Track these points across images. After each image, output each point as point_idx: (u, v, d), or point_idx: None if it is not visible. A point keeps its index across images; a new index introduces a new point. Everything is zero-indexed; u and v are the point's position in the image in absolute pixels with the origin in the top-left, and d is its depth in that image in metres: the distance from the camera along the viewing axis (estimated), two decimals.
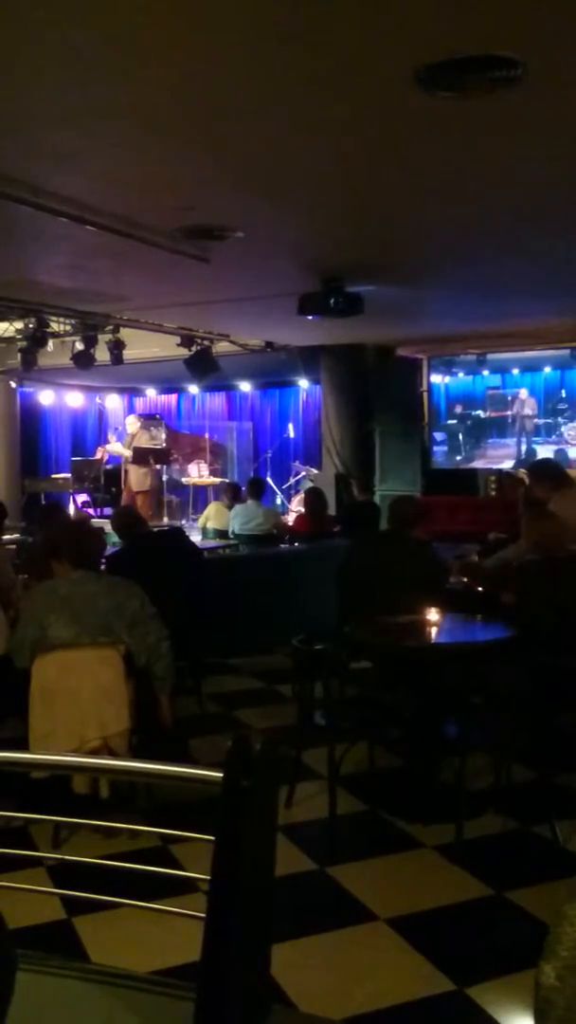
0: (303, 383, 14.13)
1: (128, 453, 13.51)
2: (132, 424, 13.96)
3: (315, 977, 3.19)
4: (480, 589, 5.49)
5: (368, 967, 3.27)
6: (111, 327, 10.09)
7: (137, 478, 13.50)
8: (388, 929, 3.49)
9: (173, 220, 5.50)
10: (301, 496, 11.83)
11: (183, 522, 13.31)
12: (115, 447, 13.91)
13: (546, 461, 7.85)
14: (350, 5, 2.87)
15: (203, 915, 1.57)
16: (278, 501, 13.83)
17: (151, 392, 16.81)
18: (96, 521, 12.13)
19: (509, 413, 12.90)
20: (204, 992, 1.54)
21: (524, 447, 12.81)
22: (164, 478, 14.22)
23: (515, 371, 12.79)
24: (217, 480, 14.20)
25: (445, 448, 13.21)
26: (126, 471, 13.59)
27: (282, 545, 9.53)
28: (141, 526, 6.77)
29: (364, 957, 3.34)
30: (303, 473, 13.79)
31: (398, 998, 3.05)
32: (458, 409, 13.23)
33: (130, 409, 16.63)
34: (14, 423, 14.06)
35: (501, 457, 12.86)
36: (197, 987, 1.55)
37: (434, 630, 4.59)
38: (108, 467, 14.39)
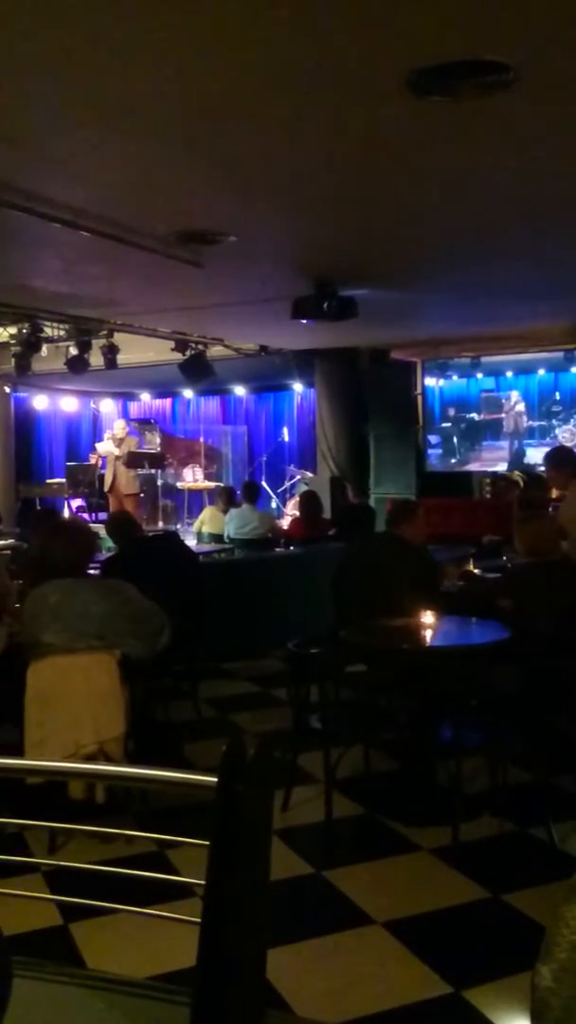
0: (297, 387, 14.14)
1: (115, 451, 13.48)
2: (120, 428, 13.93)
3: (311, 981, 3.18)
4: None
5: (364, 971, 3.27)
6: (105, 332, 10.09)
7: (127, 481, 13.48)
8: (384, 932, 3.49)
9: (166, 225, 5.51)
10: (296, 500, 11.84)
11: (178, 527, 13.31)
12: (105, 446, 13.88)
13: (563, 448, 7.94)
14: (342, 10, 2.88)
15: (199, 920, 1.57)
16: (273, 505, 13.83)
17: (145, 396, 16.80)
18: (91, 526, 12.12)
19: (503, 416, 12.92)
20: (200, 997, 1.54)
21: (515, 447, 12.83)
22: (159, 483, 14.20)
23: (509, 374, 12.80)
24: (212, 484, 14.20)
25: (440, 451, 13.22)
26: (114, 475, 13.54)
27: (277, 549, 9.54)
28: (136, 530, 6.77)
29: (360, 961, 3.34)
30: (298, 477, 13.80)
31: (395, 1002, 3.04)
32: (452, 412, 13.24)
33: (124, 414, 16.62)
34: (8, 428, 14.05)
35: (495, 460, 12.87)
36: (193, 992, 1.55)
37: (429, 633, 4.59)
38: (104, 471, 14.37)
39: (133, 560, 5.99)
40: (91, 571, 5.61)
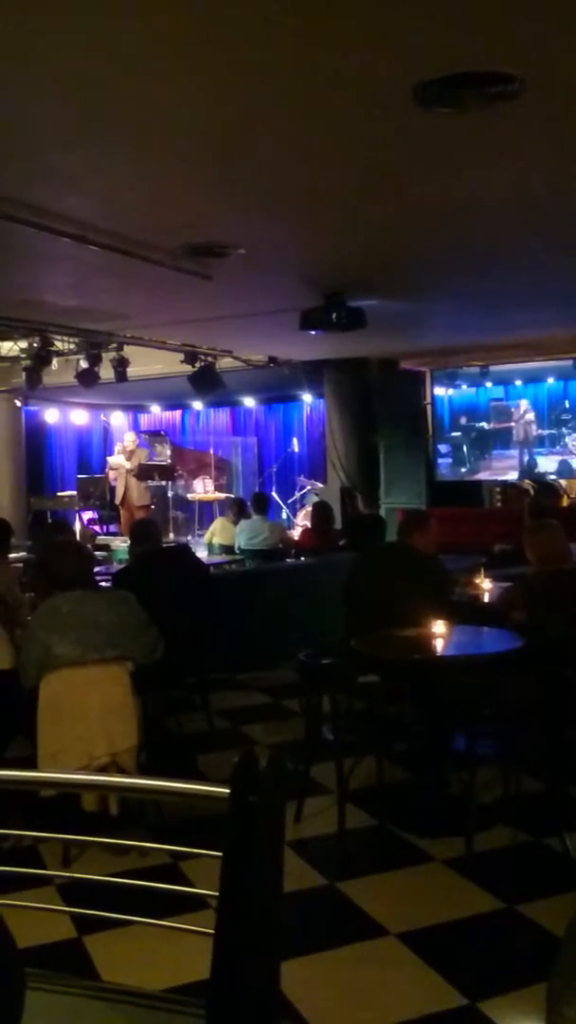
0: (307, 397, 14.16)
1: (126, 464, 13.50)
2: (130, 440, 13.97)
3: (326, 993, 3.18)
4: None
5: (379, 982, 3.26)
6: (115, 345, 10.14)
7: (138, 493, 13.52)
8: (399, 944, 3.47)
9: (175, 238, 5.53)
10: (307, 510, 11.84)
11: (189, 538, 13.33)
12: (116, 459, 13.91)
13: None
14: (348, 23, 2.90)
15: (213, 931, 1.57)
16: (283, 516, 13.84)
17: (155, 409, 16.86)
18: (102, 538, 12.16)
19: (512, 424, 12.91)
20: (214, 1009, 1.54)
21: (526, 458, 12.82)
22: (170, 494, 14.22)
23: (518, 382, 12.80)
24: (222, 496, 14.21)
25: (449, 460, 13.21)
26: (125, 487, 13.56)
27: (288, 560, 9.53)
28: (153, 542, 6.79)
29: (375, 972, 3.33)
30: (308, 487, 13.81)
31: (409, 1013, 3.03)
32: (462, 421, 13.24)
33: (135, 426, 16.68)
34: (20, 441, 14.10)
35: (505, 469, 12.86)
36: (207, 1004, 1.55)
37: (441, 642, 4.58)
38: (115, 483, 14.40)
39: (145, 572, 6.00)
40: (103, 582, 5.64)
